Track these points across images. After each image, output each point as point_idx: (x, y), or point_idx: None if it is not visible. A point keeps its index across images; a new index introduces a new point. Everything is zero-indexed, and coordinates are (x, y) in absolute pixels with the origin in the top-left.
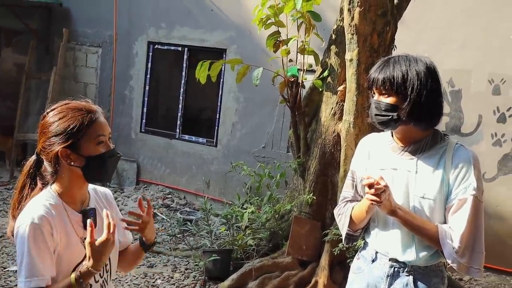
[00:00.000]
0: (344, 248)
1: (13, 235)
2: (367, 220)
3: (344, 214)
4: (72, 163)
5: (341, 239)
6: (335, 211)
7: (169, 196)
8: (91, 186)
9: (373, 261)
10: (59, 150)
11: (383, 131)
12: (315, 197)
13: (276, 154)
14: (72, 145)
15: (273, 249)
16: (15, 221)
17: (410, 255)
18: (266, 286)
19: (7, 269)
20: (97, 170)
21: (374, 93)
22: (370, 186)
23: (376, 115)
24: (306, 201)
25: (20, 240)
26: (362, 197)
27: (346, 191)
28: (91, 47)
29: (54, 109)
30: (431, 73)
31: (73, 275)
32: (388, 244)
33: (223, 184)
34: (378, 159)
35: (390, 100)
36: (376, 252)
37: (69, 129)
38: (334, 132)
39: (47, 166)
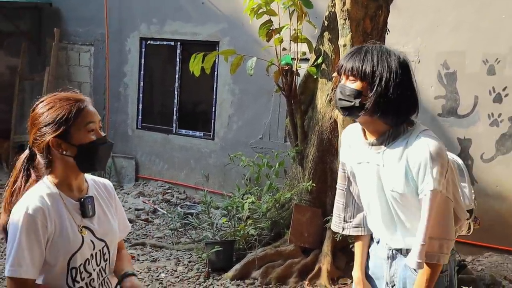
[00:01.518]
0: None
1: (4, 229)
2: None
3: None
4: (64, 152)
5: None
6: (337, 212)
7: (169, 191)
8: (89, 177)
9: (377, 242)
10: (49, 140)
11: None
12: (314, 184)
13: (274, 144)
14: (62, 134)
15: (275, 238)
16: (7, 215)
17: (398, 243)
18: (270, 274)
19: None
20: (90, 158)
21: (342, 78)
22: None
23: (339, 99)
24: (306, 189)
25: (13, 229)
26: (356, 184)
27: (340, 183)
28: (83, 45)
29: (43, 101)
30: (403, 67)
31: None
32: (377, 231)
33: (222, 176)
34: (356, 152)
35: (355, 85)
36: None
37: (58, 118)
38: (331, 118)
39: (40, 158)
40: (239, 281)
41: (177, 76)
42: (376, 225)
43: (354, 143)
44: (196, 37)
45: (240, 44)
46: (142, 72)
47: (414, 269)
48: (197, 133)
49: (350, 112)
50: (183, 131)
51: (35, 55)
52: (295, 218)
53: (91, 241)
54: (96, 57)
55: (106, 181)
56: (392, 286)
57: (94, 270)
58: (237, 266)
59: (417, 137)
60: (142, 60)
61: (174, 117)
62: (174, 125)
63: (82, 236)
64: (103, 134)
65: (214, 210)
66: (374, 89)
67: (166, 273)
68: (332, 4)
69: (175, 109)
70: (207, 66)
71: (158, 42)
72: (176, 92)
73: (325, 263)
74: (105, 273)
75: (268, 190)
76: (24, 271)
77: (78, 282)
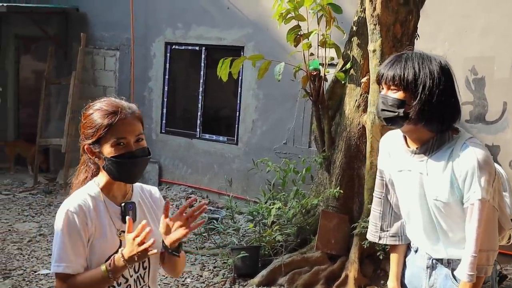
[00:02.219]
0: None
1: None
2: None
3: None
4: (97, 159)
5: None
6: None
7: (192, 195)
8: (137, 184)
9: (416, 251)
10: (85, 145)
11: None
12: (341, 191)
13: (298, 149)
14: (94, 143)
15: (301, 244)
16: None
17: (439, 253)
18: (296, 281)
19: (37, 273)
20: (116, 170)
21: (382, 88)
22: None
23: (382, 110)
24: (333, 195)
25: (56, 226)
26: (394, 192)
27: (377, 191)
28: (109, 50)
29: (95, 104)
30: (445, 73)
31: (103, 266)
32: (418, 240)
33: (245, 182)
34: (396, 160)
35: (398, 95)
36: None
37: (92, 127)
38: (359, 124)
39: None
40: (265, 287)
41: (201, 80)
42: (417, 234)
43: (394, 151)
44: (221, 42)
45: (265, 49)
46: (166, 77)
47: (455, 279)
48: (221, 138)
49: (394, 122)
50: (207, 136)
51: (62, 60)
52: (322, 225)
53: None
54: (122, 61)
55: (153, 189)
56: None
57: (131, 276)
58: (263, 272)
59: (463, 145)
60: (167, 65)
61: (198, 121)
62: (198, 129)
63: (120, 240)
64: (139, 147)
65: (237, 215)
66: (418, 98)
67: (192, 279)
68: (362, 9)
69: (199, 113)
70: (235, 71)
71: (183, 47)
72: (200, 97)
73: (352, 271)
74: (144, 282)
75: (294, 195)
76: (67, 267)
77: (114, 287)
